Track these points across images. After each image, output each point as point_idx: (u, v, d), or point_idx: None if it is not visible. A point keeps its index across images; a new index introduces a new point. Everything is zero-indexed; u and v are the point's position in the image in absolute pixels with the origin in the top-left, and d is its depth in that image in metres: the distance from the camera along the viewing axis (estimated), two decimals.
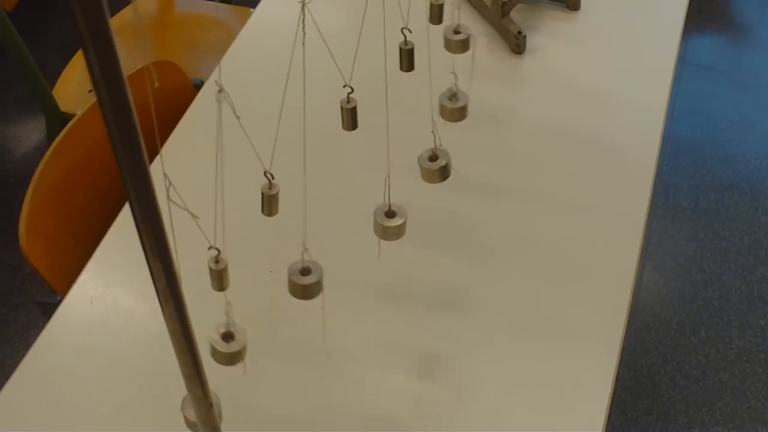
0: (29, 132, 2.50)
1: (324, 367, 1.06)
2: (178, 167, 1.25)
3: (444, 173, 0.95)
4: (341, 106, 0.94)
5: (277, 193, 0.84)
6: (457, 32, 1.00)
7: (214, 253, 0.76)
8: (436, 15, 1.02)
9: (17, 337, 2.05)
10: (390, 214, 0.93)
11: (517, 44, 1.42)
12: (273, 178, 0.82)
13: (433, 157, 0.94)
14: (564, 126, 1.32)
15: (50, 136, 1.92)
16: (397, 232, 0.93)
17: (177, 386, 0.80)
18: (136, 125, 0.53)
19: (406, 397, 1.03)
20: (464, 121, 1.33)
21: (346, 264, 1.15)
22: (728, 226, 2.23)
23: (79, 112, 1.37)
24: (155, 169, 0.57)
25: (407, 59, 1.00)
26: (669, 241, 2.21)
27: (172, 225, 0.64)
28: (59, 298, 1.17)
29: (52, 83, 1.92)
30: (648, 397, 1.91)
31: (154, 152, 1.29)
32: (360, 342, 1.08)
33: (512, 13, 1.45)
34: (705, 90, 2.58)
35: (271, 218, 0.86)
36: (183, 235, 0.71)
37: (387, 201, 0.92)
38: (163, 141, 1.32)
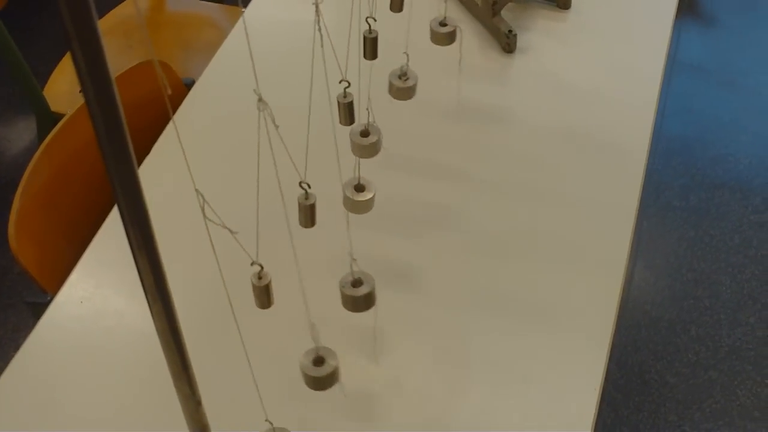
0: (20, 132, 2.50)
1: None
2: (169, 167, 1.25)
3: (374, 149, 0.96)
4: (338, 101, 0.94)
5: (314, 203, 0.83)
6: (443, 24, 1.00)
7: (257, 268, 0.73)
8: (397, 2, 1.03)
9: (7, 338, 2.04)
10: (359, 187, 0.93)
11: (507, 43, 1.42)
12: (309, 188, 0.81)
13: (365, 133, 0.95)
14: (554, 124, 1.33)
15: (41, 137, 1.91)
16: (367, 206, 0.94)
17: (167, 386, 0.80)
18: (124, 125, 0.53)
19: (396, 395, 1.03)
20: (455, 119, 1.34)
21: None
22: (718, 224, 2.24)
23: (69, 113, 1.37)
24: (185, 185, 0.56)
25: (371, 48, 0.99)
26: (659, 240, 2.21)
27: (212, 245, 0.63)
28: (49, 298, 1.17)
29: (43, 83, 1.92)
30: (639, 394, 1.92)
31: (145, 152, 1.29)
32: (347, 337, 1.08)
33: (503, 12, 1.45)
34: (696, 90, 2.59)
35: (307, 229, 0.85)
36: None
37: (357, 175, 0.92)
38: (153, 141, 1.31)
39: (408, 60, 0.97)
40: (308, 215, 0.84)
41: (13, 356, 1.08)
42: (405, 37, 0.99)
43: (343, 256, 0.84)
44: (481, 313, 1.10)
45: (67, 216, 1.37)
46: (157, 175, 1.23)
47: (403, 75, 0.99)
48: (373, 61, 1.00)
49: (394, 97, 1.00)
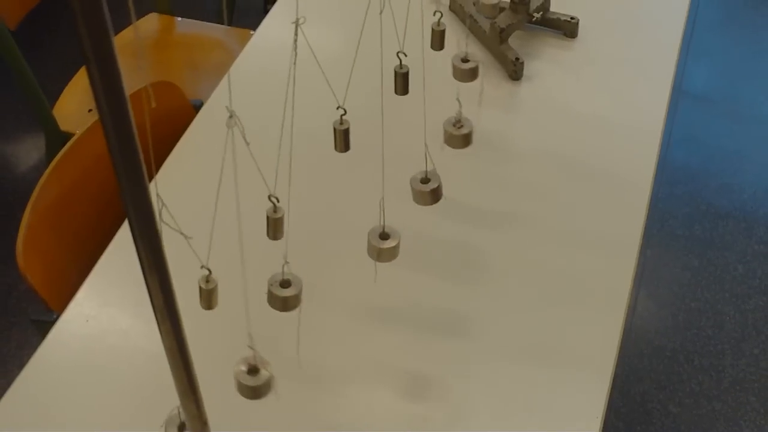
0: (28, 150, 2.51)
1: (315, 389, 1.06)
2: (175, 188, 1.26)
3: (435, 196, 0.96)
4: (334, 128, 0.95)
5: (282, 216, 0.84)
6: (465, 60, 1.01)
7: (205, 272, 0.76)
8: (437, 40, 1.03)
9: (11, 355, 2.04)
10: (384, 235, 0.94)
11: (514, 70, 1.44)
12: (278, 202, 0.83)
13: (425, 180, 0.95)
14: (560, 152, 1.33)
15: (49, 155, 1.92)
16: (391, 254, 0.94)
17: (171, 405, 0.80)
18: (137, 143, 0.54)
19: (398, 420, 1.03)
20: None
21: (338, 284, 1.15)
22: (722, 254, 2.24)
23: (78, 132, 1.38)
24: (204, 210, 0.57)
25: (402, 83, 1.00)
26: (663, 269, 2.21)
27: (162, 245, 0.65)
28: (55, 316, 1.18)
29: (53, 102, 1.93)
30: (641, 424, 1.91)
31: (151, 173, 1.30)
32: (352, 364, 1.08)
33: (510, 40, 1.46)
34: (701, 120, 2.60)
35: (262, 238, 0.87)
36: (178, 257, 0.72)
37: (381, 223, 0.92)
38: (161, 162, 1.32)
39: (461, 106, 0.98)
40: (276, 229, 0.86)
41: (17, 374, 1.08)
42: (422, 70, 1.00)
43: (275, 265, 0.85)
44: (483, 339, 1.10)
45: (74, 235, 1.38)
46: (166, 193, 1.24)
47: (457, 122, 1.00)
48: (369, 85, 1.01)
49: (449, 146, 1.01)
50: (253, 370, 0.78)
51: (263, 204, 0.84)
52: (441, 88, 1.01)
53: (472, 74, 1.01)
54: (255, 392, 0.78)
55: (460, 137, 0.99)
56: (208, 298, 0.77)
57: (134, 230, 0.57)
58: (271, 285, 0.84)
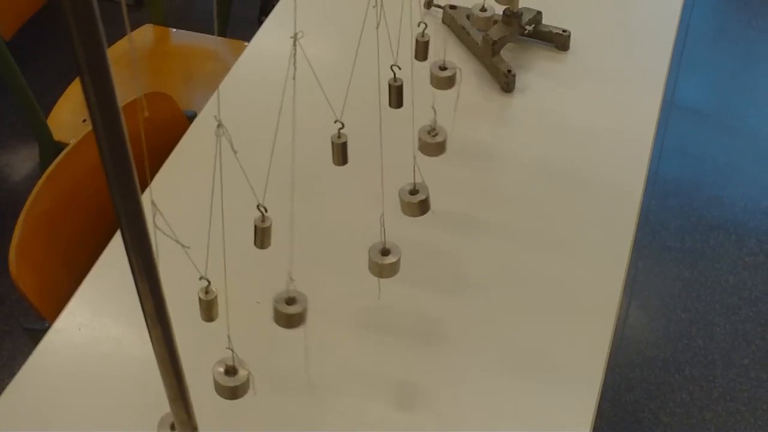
0: (22, 160, 2.52)
1: (307, 398, 1.06)
2: (169, 198, 1.26)
3: (423, 207, 0.97)
4: (332, 141, 0.96)
5: (270, 226, 0.85)
6: (443, 68, 1.02)
7: (204, 283, 0.76)
8: (421, 51, 1.04)
9: (3, 364, 2.04)
10: (385, 252, 0.95)
11: (506, 83, 1.45)
12: (266, 211, 0.83)
13: (414, 191, 0.96)
14: (551, 163, 1.34)
15: (43, 165, 1.93)
16: (393, 269, 0.95)
17: (163, 413, 0.81)
18: (129, 153, 0.55)
19: (388, 430, 1.03)
20: (453, 158, 1.35)
21: (332, 296, 1.16)
22: (713, 266, 2.25)
23: (72, 142, 1.38)
24: (145, 200, 0.59)
25: (396, 96, 1.01)
26: (654, 280, 2.22)
27: (156, 252, 0.65)
28: (47, 324, 1.18)
29: (47, 112, 1.94)
30: None
31: (143, 183, 1.31)
32: (342, 374, 1.09)
33: (502, 52, 1.48)
34: (692, 132, 2.62)
35: (262, 251, 0.87)
36: (170, 266, 0.73)
37: (383, 239, 0.93)
38: (155, 172, 1.33)
39: (435, 114, 0.98)
40: (264, 237, 0.86)
41: (8, 383, 1.08)
42: (418, 84, 1.01)
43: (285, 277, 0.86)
44: (471, 352, 1.11)
45: (67, 244, 1.38)
46: (159, 203, 1.24)
47: (432, 130, 1.01)
48: (363, 98, 1.02)
49: (425, 154, 1.01)
50: (230, 371, 0.79)
51: (255, 213, 0.85)
52: (437, 100, 1.02)
53: (449, 82, 1.02)
54: (233, 392, 0.79)
55: (434, 145, 1.00)
56: (208, 309, 0.77)
57: (126, 237, 0.58)
58: (277, 302, 0.84)
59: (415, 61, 1.04)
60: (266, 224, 0.84)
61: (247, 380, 0.79)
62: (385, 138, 1.20)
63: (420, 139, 1.02)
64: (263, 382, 1.07)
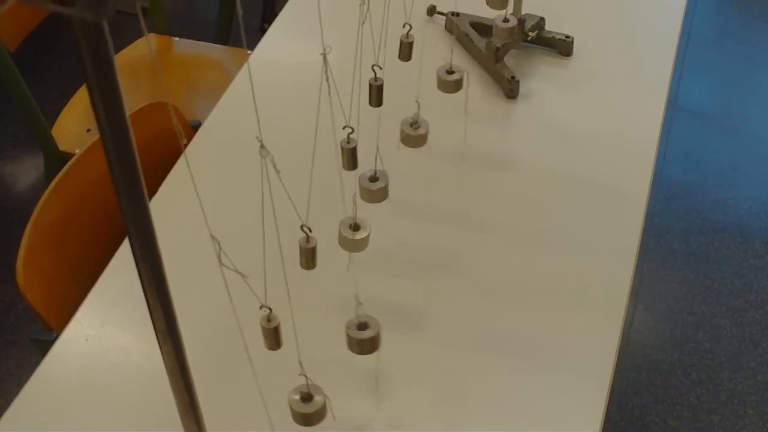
0: (27, 170, 2.52)
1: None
2: (173, 210, 1.26)
3: (383, 194, 0.98)
4: (341, 147, 0.96)
5: (315, 246, 0.85)
6: (450, 72, 1.02)
7: (266, 311, 0.75)
8: (405, 52, 1.05)
9: (10, 374, 2.05)
10: (355, 227, 0.95)
11: (510, 89, 1.45)
12: (311, 231, 0.83)
13: (374, 178, 0.97)
14: (557, 168, 1.34)
15: (48, 175, 1.93)
16: (363, 244, 0.95)
17: (172, 424, 0.81)
18: (137, 162, 0.55)
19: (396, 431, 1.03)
20: (458, 164, 1.35)
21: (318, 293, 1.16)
22: (719, 269, 2.25)
23: (78, 152, 1.39)
24: (201, 230, 0.57)
25: (376, 95, 1.02)
26: (660, 284, 2.22)
27: (228, 290, 0.64)
28: (54, 335, 1.18)
29: (51, 122, 1.94)
30: None
31: (152, 192, 1.31)
32: (348, 371, 1.08)
33: (506, 59, 1.48)
34: (697, 135, 2.61)
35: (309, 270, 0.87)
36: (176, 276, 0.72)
37: (354, 214, 0.94)
38: (159, 182, 1.33)
39: (419, 108, 0.99)
40: (309, 258, 0.86)
41: (15, 392, 1.08)
42: (411, 84, 1.01)
43: (345, 298, 0.85)
44: (481, 354, 1.11)
45: (74, 254, 1.39)
46: (163, 215, 1.25)
47: (414, 123, 1.01)
48: (381, 107, 1.02)
49: (406, 145, 1.02)
50: (306, 398, 0.78)
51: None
52: (445, 106, 1.02)
53: (456, 85, 1.02)
54: (307, 419, 0.78)
55: (415, 137, 1.01)
56: (271, 336, 0.76)
57: (135, 251, 0.58)
58: (348, 328, 0.84)
59: (422, 63, 1.04)
60: (311, 244, 0.84)
61: (323, 406, 0.79)
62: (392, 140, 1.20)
63: (402, 131, 1.02)
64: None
